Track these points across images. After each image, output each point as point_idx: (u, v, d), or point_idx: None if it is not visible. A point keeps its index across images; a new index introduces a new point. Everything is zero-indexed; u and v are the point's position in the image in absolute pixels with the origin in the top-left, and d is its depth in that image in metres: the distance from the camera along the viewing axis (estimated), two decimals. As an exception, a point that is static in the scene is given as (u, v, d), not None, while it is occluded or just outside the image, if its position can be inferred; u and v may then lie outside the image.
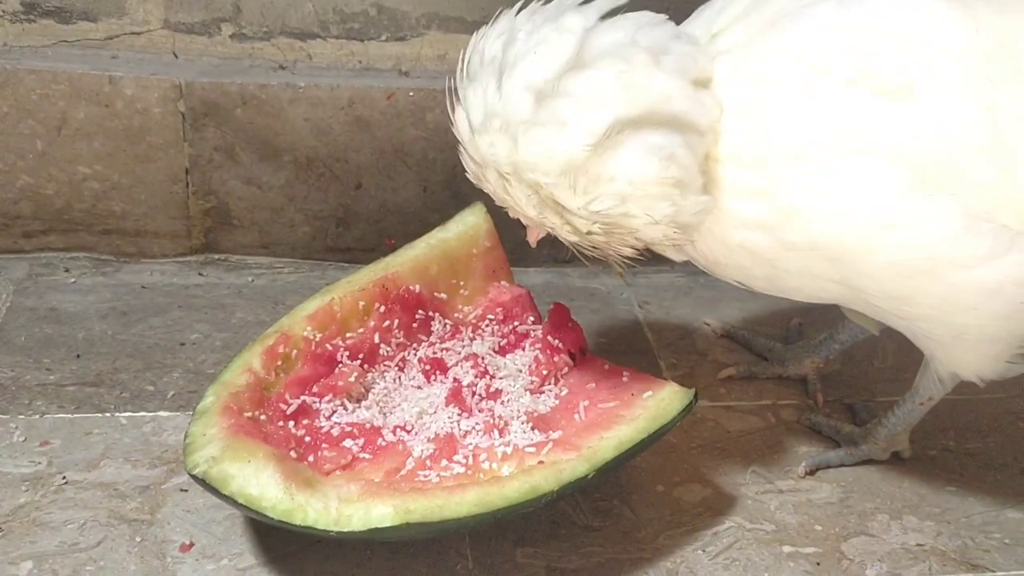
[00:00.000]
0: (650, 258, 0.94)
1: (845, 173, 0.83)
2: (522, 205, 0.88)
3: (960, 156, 0.82)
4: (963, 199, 0.83)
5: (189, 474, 0.88)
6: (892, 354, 1.27)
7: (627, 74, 0.83)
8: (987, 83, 0.82)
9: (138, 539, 0.94)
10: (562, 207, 0.86)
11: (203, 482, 0.86)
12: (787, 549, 0.99)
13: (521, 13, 0.87)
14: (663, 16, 0.89)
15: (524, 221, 0.93)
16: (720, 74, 0.87)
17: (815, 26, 0.85)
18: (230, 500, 0.86)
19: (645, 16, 0.88)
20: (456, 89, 0.88)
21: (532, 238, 0.99)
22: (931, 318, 0.89)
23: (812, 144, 0.84)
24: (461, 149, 0.89)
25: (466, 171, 0.91)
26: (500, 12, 0.88)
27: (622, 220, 0.86)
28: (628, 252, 0.91)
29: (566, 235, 0.89)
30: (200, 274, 1.34)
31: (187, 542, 0.94)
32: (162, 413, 1.10)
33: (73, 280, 1.30)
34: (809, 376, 1.21)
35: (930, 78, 0.83)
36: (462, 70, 0.87)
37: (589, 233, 0.88)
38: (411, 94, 1.28)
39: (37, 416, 1.08)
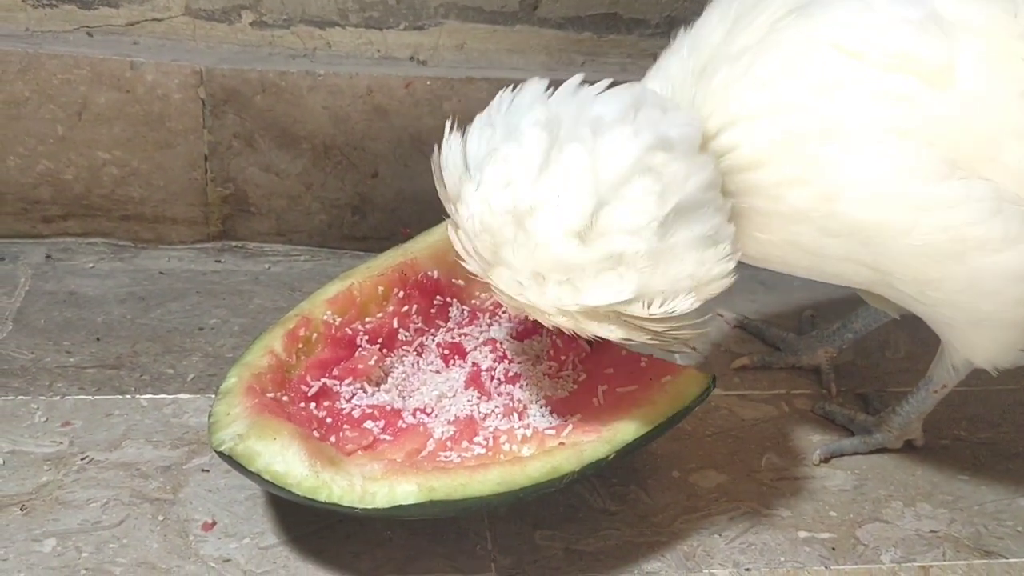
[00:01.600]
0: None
1: (881, 156, 0.84)
2: (603, 334, 0.86)
3: (996, 140, 0.83)
4: (996, 182, 0.84)
5: (215, 451, 0.88)
6: (905, 345, 1.28)
7: (658, 184, 0.82)
8: (1023, 67, 0.83)
9: (160, 518, 0.95)
10: (644, 320, 0.84)
11: (229, 459, 0.87)
12: (803, 534, 1.00)
13: (494, 153, 0.83)
14: (637, 86, 0.87)
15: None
16: (727, 87, 0.88)
17: (850, 13, 0.86)
18: (256, 477, 0.86)
19: (627, 96, 0.85)
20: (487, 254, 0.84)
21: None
22: (954, 303, 0.90)
23: (849, 129, 0.85)
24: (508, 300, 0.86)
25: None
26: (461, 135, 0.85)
27: (683, 315, 0.85)
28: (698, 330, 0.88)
29: (649, 342, 0.88)
30: (218, 261, 1.35)
31: (209, 520, 0.95)
32: (182, 395, 1.11)
33: (91, 265, 1.31)
34: (822, 366, 1.22)
35: (968, 62, 0.83)
36: (471, 224, 0.83)
37: (671, 330, 0.87)
38: (428, 83, 1.29)
39: (58, 397, 1.09)
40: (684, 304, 0.84)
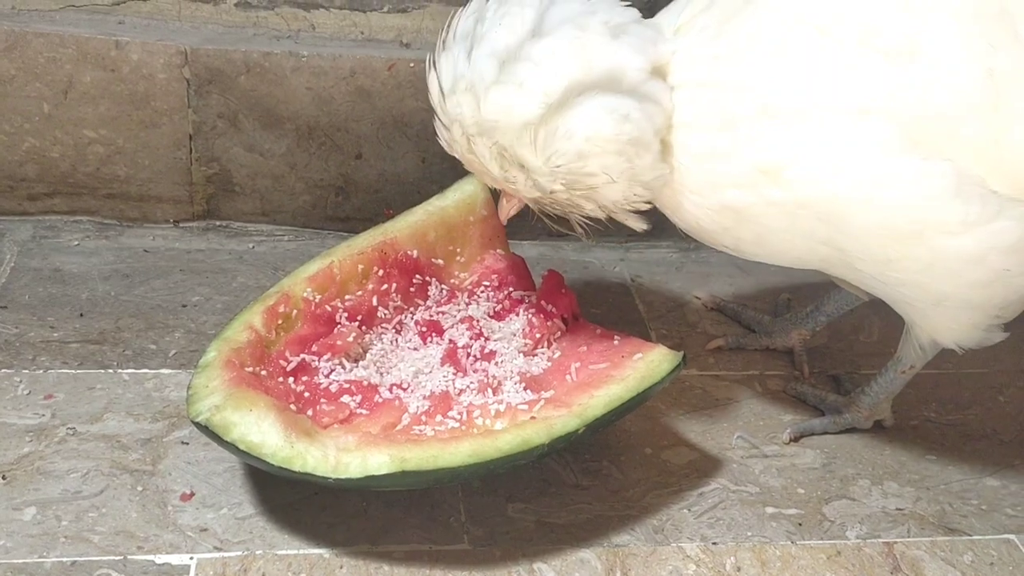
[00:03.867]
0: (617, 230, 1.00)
1: (840, 132, 0.85)
2: (486, 162, 0.94)
3: (958, 119, 0.84)
4: (957, 163, 0.85)
5: (192, 421, 0.90)
6: (878, 329, 1.30)
7: (582, 40, 0.89)
8: (987, 47, 0.84)
9: (140, 488, 0.97)
10: (525, 165, 0.92)
11: (206, 429, 0.89)
12: (770, 510, 1.02)
13: None
14: (627, 3, 0.95)
15: (490, 183, 0.99)
16: (687, 52, 0.92)
17: None
18: (231, 447, 0.88)
19: (609, 1, 0.94)
20: (433, 62, 0.94)
21: (503, 214, 1.05)
22: (914, 283, 0.91)
23: (807, 104, 0.86)
24: (434, 116, 0.95)
25: (438, 137, 0.97)
26: None
27: (582, 177, 0.92)
28: (588, 210, 0.96)
29: (529, 192, 0.96)
30: (202, 240, 1.36)
31: (188, 491, 0.97)
32: (164, 370, 1.12)
33: (77, 243, 1.33)
34: (796, 347, 1.24)
35: (932, 40, 0.84)
36: (438, 45, 0.94)
37: (552, 192, 0.94)
38: (412, 65, 1.30)
39: (41, 371, 1.10)
40: (565, 158, 0.90)
